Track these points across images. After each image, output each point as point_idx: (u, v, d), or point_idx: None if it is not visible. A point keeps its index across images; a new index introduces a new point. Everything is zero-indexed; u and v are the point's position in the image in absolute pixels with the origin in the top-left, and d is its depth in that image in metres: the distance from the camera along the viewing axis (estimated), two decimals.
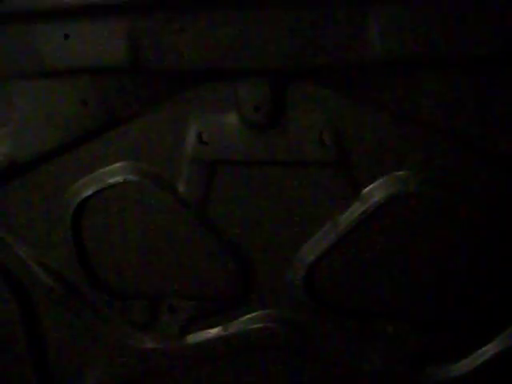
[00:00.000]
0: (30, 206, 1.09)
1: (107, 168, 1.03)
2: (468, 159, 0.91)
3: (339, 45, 0.85)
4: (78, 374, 1.23)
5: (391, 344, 1.07)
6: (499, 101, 0.85)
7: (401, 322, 1.05)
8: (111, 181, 1.04)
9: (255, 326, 1.10)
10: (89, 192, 1.05)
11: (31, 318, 1.19)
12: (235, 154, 0.98)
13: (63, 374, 1.25)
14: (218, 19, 0.88)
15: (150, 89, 0.97)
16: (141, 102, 0.98)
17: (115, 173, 1.03)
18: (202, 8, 0.87)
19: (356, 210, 0.98)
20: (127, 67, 0.92)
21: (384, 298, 1.04)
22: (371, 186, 0.97)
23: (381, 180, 0.96)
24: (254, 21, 0.87)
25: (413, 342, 1.06)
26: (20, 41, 0.95)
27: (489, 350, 1.03)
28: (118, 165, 1.03)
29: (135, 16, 0.89)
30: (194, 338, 1.15)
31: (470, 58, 0.83)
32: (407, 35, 0.83)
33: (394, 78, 0.88)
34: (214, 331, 1.13)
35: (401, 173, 0.95)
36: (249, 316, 1.11)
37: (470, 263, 0.98)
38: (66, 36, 0.93)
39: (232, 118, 0.96)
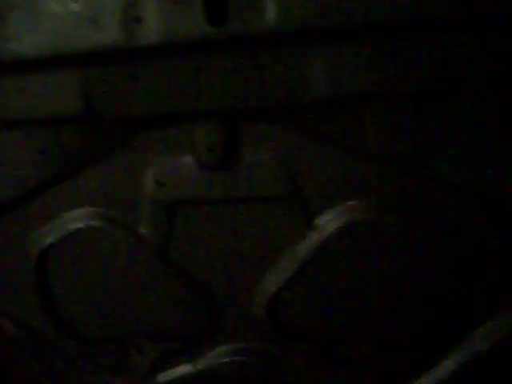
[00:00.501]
0: None
1: (68, 215, 1.05)
2: (413, 185, 0.95)
3: (283, 86, 0.90)
4: None
5: (356, 367, 1.10)
6: (436, 130, 0.91)
7: (363, 345, 1.08)
8: (73, 227, 1.05)
9: (223, 360, 1.12)
10: (51, 239, 1.06)
11: (1, 367, 1.19)
12: (192, 195, 1.01)
13: None
14: (168, 67, 0.91)
15: (106, 136, 1.00)
16: (98, 148, 1.01)
17: (76, 219, 1.05)
18: (152, 58, 0.91)
19: (312, 240, 1.02)
20: (82, 116, 0.95)
21: (345, 323, 1.07)
22: (325, 216, 1.00)
23: (333, 210, 1.00)
24: (203, 67, 0.91)
25: (375, 364, 1.09)
26: None
27: (445, 368, 1.07)
28: (79, 211, 1.05)
29: (87, 66, 0.92)
30: (164, 376, 1.16)
31: (406, 94, 0.88)
32: (346, 74, 0.88)
33: (339, 113, 0.92)
34: (183, 368, 1.15)
35: (351, 202, 0.99)
36: (217, 351, 1.13)
37: (422, 286, 1.02)
38: (22, 88, 0.95)
39: (187, 160, 0.99)
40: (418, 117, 0.91)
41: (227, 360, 1.12)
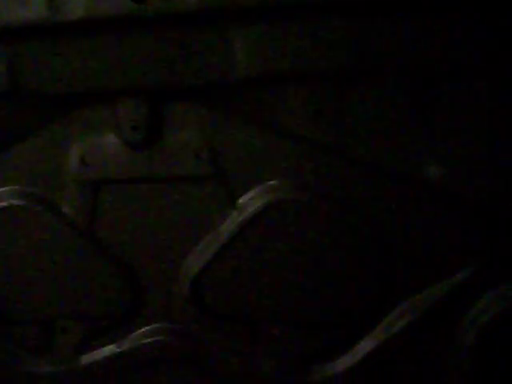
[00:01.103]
0: None
1: None
2: (331, 165, 1.00)
3: (207, 65, 0.93)
4: None
5: (278, 346, 1.13)
6: (355, 111, 0.95)
7: (284, 324, 1.11)
8: None
9: (147, 340, 1.13)
10: None
11: None
12: (116, 174, 1.03)
13: None
14: (93, 43, 0.93)
15: (31, 113, 1.00)
16: (24, 125, 1.01)
17: (0, 197, 1.05)
18: (76, 33, 0.92)
19: (234, 219, 1.04)
20: (6, 91, 0.96)
21: (266, 302, 1.10)
22: (247, 196, 1.04)
23: (255, 190, 1.03)
24: (128, 43, 0.93)
25: (297, 342, 1.12)
26: None
27: (366, 345, 1.11)
28: (3, 189, 1.05)
29: (12, 42, 0.93)
30: (89, 357, 1.16)
31: (326, 74, 0.92)
32: (269, 53, 0.91)
33: (262, 93, 0.96)
34: (107, 349, 1.15)
35: (273, 182, 1.02)
36: (141, 331, 1.14)
37: (341, 265, 1.06)
38: None
39: (111, 139, 1.01)
40: (338, 97, 0.95)
41: (150, 340, 1.13)
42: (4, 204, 1.05)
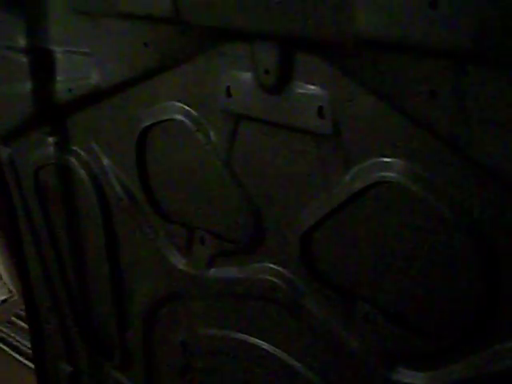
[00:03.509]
0: (111, 125, 1.31)
1: (160, 105, 1.19)
2: (444, 156, 0.85)
3: (328, 20, 0.86)
4: (135, 283, 1.46)
5: (370, 331, 1.05)
6: (475, 97, 0.79)
7: (382, 311, 1.03)
8: (162, 116, 1.19)
9: (258, 276, 1.18)
10: (147, 123, 1.22)
11: (108, 221, 1.43)
12: (251, 111, 1.05)
13: (130, 281, 1.49)
14: None
15: (190, 40, 1.08)
16: (184, 51, 1.10)
17: (165, 110, 1.18)
18: None
19: (346, 187, 0.98)
20: (170, 17, 1.05)
21: (365, 279, 1.03)
22: (360, 166, 0.96)
23: (369, 162, 0.95)
24: None
25: (391, 336, 1.03)
26: None
27: (459, 370, 0.96)
28: (168, 103, 1.18)
29: None
30: (216, 272, 1.27)
31: (444, 48, 0.77)
32: (388, 18, 0.80)
33: (383, 62, 0.85)
34: (230, 270, 1.24)
35: (386, 159, 0.92)
36: (255, 266, 1.19)
37: (446, 265, 0.92)
38: None
39: (250, 77, 1.03)
40: (457, 79, 0.79)
41: (260, 277, 1.17)
42: (167, 117, 1.18)
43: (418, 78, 0.82)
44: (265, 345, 1.25)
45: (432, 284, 0.95)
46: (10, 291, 3.10)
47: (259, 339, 1.26)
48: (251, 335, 1.27)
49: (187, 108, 1.15)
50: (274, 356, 1.24)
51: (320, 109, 0.96)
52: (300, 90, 0.98)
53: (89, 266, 1.60)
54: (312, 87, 0.96)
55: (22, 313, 2.97)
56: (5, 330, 2.93)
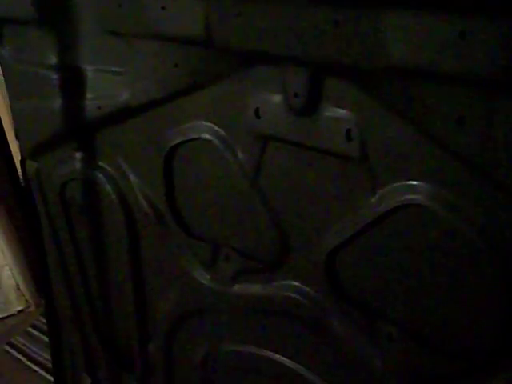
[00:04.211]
0: (138, 142, 1.34)
1: (188, 124, 1.22)
2: (473, 181, 0.87)
3: (357, 46, 0.89)
4: (158, 296, 1.48)
5: (393, 350, 1.07)
6: (505, 124, 0.81)
7: (406, 331, 1.05)
8: (190, 135, 1.22)
9: (284, 293, 1.20)
10: (175, 141, 1.24)
11: (133, 237, 1.46)
12: (279, 133, 1.08)
13: (153, 294, 1.52)
14: (273, 10, 0.97)
15: (221, 62, 1.11)
16: (214, 72, 1.13)
17: (193, 129, 1.21)
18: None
19: (371, 208, 1.00)
20: (201, 40, 1.08)
21: (394, 302, 1.05)
22: (387, 188, 0.98)
23: (395, 185, 0.97)
24: (303, 16, 0.94)
25: (415, 356, 1.05)
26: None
27: None
28: (196, 123, 1.20)
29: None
30: (239, 289, 1.29)
31: (474, 75, 0.80)
32: (418, 46, 0.83)
33: (411, 87, 0.88)
34: (253, 288, 1.26)
35: (413, 182, 0.94)
36: (279, 283, 1.21)
37: (473, 290, 0.94)
38: (163, 7, 1.12)
39: (279, 99, 1.05)
40: (486, 106, 0.81)
41: (285, 294, 1.19)
42: (195, 136, 1.21)
43: (447, 105, 0.85)
44: (287, 361, 1.27)
45: (458, 305, 0.97)
46: (27, 301, 3.13)
47: (282, 356, 1.28)
48: (274, 352, 1.29)
49: (215, 128, 1.18)
50: (297, 373, 1.25)
51: (348, 132, 0.99)
52: (329, 113, 1.00)
53: (112, 280, 1.62)
54: (341, 110, 0.99)
55: (39, 323, 3.01)
56: (21, 340, 2.95)
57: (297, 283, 1.19)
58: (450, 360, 1.01)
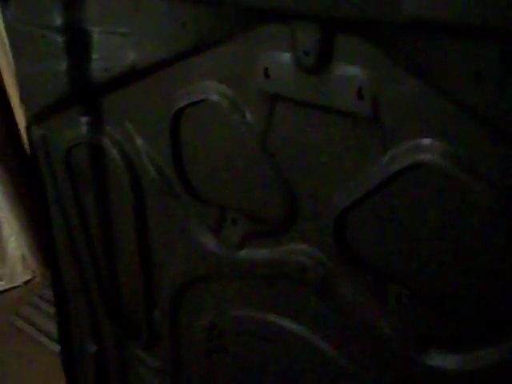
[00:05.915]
0: (145, 105, 1.32)
1: (195, 85, 1.19)
2: (488, 139, 0.85)
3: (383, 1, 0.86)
4: (164, 263, 1.48)
5: (402, 313, 1.06)
6: None
7: (416, 293, 1.03)
8: (198, 97, 1.19)
9: (291, 257, 1.19)
10: (182, 103, 1.22)
11: (139, 201, 1.44)
12: (289, 92, 1.05)
13: (159, 260, 1.51)
14: None
15: (229, 20, 1.08)
16: (222, 31, 1.10)
17: (201, 91, 1.19)
18: None
19: (383, 168, 0.98)
20: None
21: (403, 265, 1.03)
22: (399, 147, 0.96)
23: (407, 143, 0.95)
24: None
25: (425, 319, 1.04)
26: None
27: (493, 353, 0.96)
28: (203, 83, 1.18)
29: None
30: (246, 254, 1.28)
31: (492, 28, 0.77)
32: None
33: (427, 43, 0.85)
34: (260, 252, 1.25)
35: (426, 141, 0.92)
36: (287, 247, 1.19)
37: (485, 253, 0.92)
38: None
39: (289, 58, 1.03)
40: (504, 61, 0.79)
41: (292, 258, 1.18)
42: (202, 97, 1.18)
43: (463, 60, 0.82)
44: (295, 326, 1.26)
45: (468, 267, 0.95)
46: (34, 272, 3.14)
47: (289, 321, 1.27)
48: (281, 317, 1.29)
49: (223, 88, 1.16)
50: (304, 338, 1.25)
51: (359, 90, 0.96)
52: (340, 71, 0.98)
53: (118, 246, 1.62)
54: (352, 68, 0.96)
55: (45, 294, 3.02)
56: (28, 310, 2.97)
57: (304, 247, 1.17)
58: (459, 323, 1.00)
